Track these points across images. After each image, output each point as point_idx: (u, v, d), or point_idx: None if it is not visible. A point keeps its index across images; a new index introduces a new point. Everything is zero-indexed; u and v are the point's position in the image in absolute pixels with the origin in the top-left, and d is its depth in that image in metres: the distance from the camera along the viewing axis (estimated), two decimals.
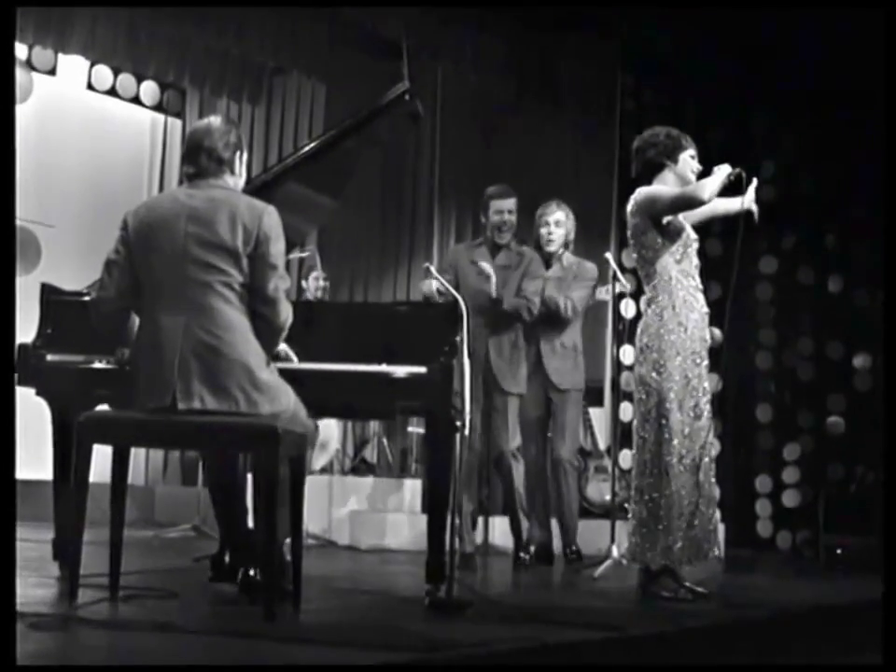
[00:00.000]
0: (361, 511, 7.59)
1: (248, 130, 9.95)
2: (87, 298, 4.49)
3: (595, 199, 9.29)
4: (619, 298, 8.43)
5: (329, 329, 4.28)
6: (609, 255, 6.45)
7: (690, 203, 4.89)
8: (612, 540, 5.98)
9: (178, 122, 10.14)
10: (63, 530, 4.45)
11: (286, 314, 3.94)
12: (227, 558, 4.30)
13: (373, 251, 9.98)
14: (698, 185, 4.86)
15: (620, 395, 8.47)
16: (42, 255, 9.00)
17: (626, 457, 8.23)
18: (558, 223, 6.61)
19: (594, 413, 8.38)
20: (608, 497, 7.34)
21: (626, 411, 8.31)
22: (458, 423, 4.19)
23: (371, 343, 4.23)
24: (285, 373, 4.00)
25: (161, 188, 9.86)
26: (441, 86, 9.73)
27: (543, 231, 6.59)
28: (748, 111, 8.86)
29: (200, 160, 4.01)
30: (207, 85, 9.83)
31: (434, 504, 4.26)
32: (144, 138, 10.06)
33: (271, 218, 3.92)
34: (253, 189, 4.64)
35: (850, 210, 8.62)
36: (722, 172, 4.88)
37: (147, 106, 9.89)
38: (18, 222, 8.68)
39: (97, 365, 4.32)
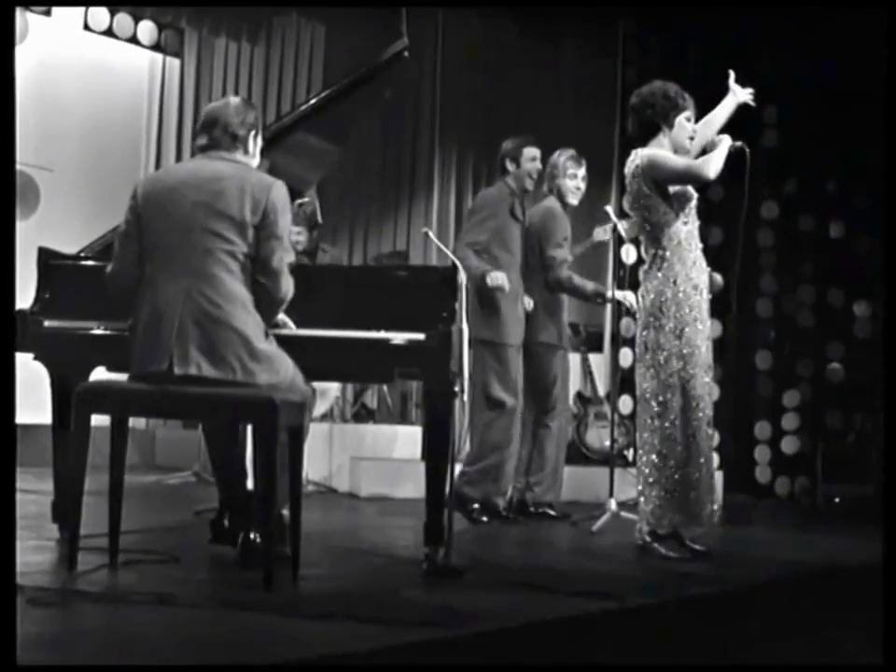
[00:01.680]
0: (361, 457, 7.61)
1: (248, 69, 9.89)
2: (85, 263, 4.48)
3: (597, 143, 9.26)
4: (619, 243, 8.41)
5: (327, 293, 4.24)
6: (608, 208, 6.39)
7: (694, 180, 4.89)
8: (611, 493, 5.98)
9: (177, 62, 10.02)
10: (62, 493, 4.45)
11: (287, 287, 3.95)
12: (226, 521, 4.32)
13: (373, 196, 9.93)
14: (704, 162, 4.82)
15: (620, 341, 8.46)
16: (41, 199, 8.95)
17: (626, 403, 8.27)
18: (584, 178, 6.54)
19: (593, 359, 8.40)
20: (607, 444, 7.36)
21: (626, 356, 8.33)
22: (456, 388, 4.20)
23: (370, 308, 4.20)
24: (283, 339, 4.01)
25: (160, 129, 9.78)
26: (441, 28, 9.66)
27: (571, 183, 6.44)
28: (751, 55, 8.73)
29: (214, 132, 4.02)
30: (206, 25, 9.74)
31: (432, 469, 4.25)
32: (142, 79, 9.93)
33: (279, 192, 3.93)
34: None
35: (852, 155, 8.55)
36: (724, 145, 4.85)
37: (144, 46, 9.75)
38: (17, 166, 8.65)
39: (96, 331, 4.27)
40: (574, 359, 8.16)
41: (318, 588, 3.91)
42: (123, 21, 9.50)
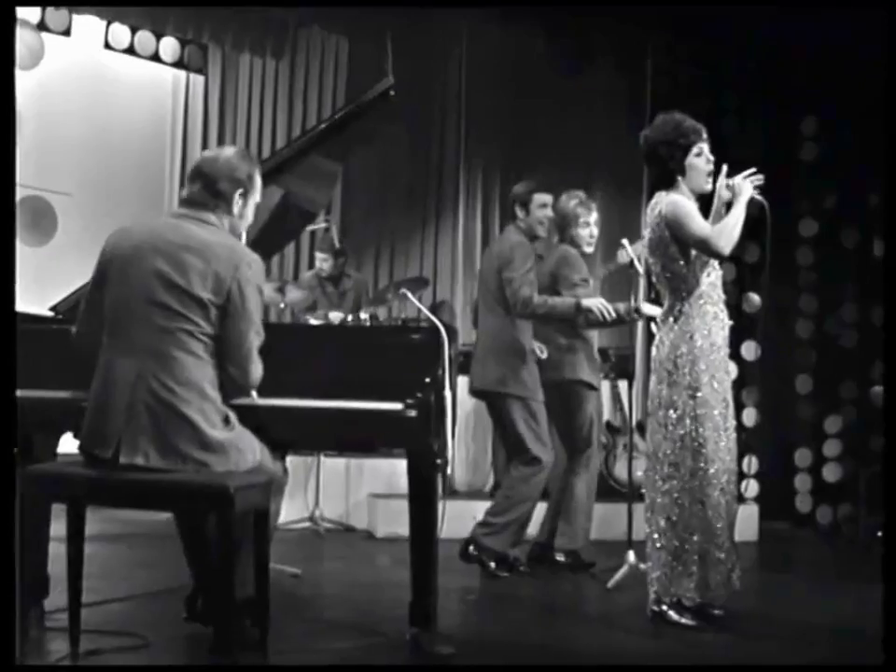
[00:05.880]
0: (378, 494, 7.37)
1: (273, 84, 9.68)
2: (51, 327, 4.24)
3: (627, 157, 8.92)
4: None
5: (298, 357, 3.95)
6: (625, 241, 6.03)
7: (708, 254, 4.57)
8: (629, 545, 5.66)
9: (201, 78, 9.81)
10: (25, 575, 4.21)
11: (256, 375, 3.67)
12: (199, 600, 4.09)
13: (399, 215, 9.66)
14: (718, 235, 4.48)
15: (650, 366, 8.12)
16: (59, 225, 8.76)
17: None
18: (597, 222, 6.22)
19: (623, 385, 8.06)
20: (639, 474, 7.03)
21: None
22: (440, 461, 3.91)
23: (344, 373, 3.89)
24: (249, 411, 3.74)
25: (185, 148, 9.57)
26: (466, 44, 9.42)
27: (584, 232, 6.12)
28: (787, 63, 8.36)
29: (195, 187, 3.74)
30: (228, 40, 9.53)
31: (417, 546, 3.98)
32: (165, 97, 9.72)
33: (249, 269, 3.61)
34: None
35: None
36: (742, 203, 4.51)
37: (167, 63, 9.55)
38: (33, 192, 8.48)
39: (64, 399, 4.00)
40: (603, 387, 7.86)
41: None
42: (144, 38, 9.30)
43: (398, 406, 3.79)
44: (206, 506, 3.50)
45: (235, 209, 3.75)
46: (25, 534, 3.55)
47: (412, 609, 4.04)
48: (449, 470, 3.93)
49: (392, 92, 4.52)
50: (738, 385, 8.50)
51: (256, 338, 3.63)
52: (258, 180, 3.81)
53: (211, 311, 3.55)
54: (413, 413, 3.79)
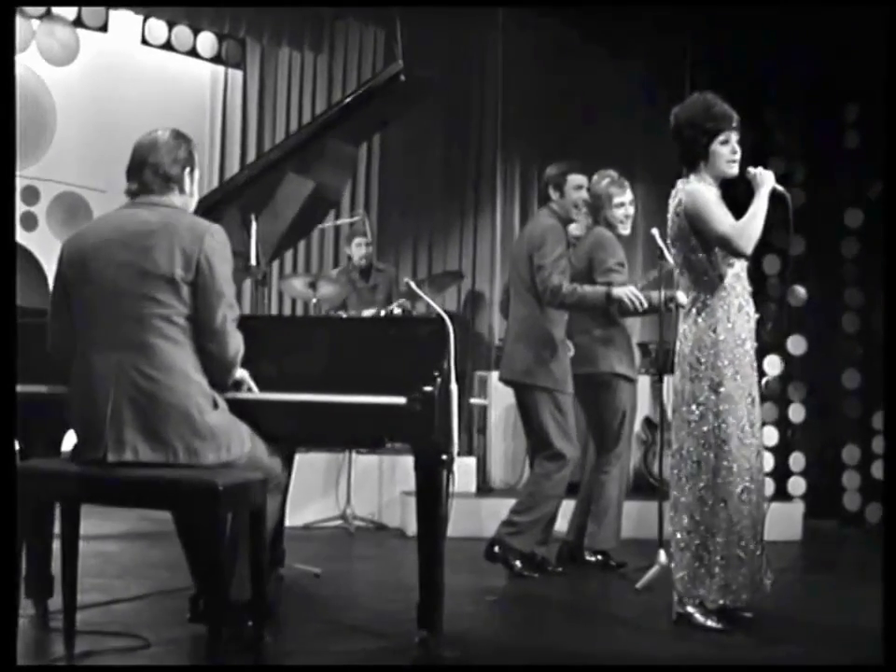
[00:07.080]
0: (411, 492, 7.18)
1: (311, 78, 9.59)
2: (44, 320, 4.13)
3: (667, 148, 8.75)
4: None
5: (298, 350, 3.84)
6: (655, 231, 5.82)
7: (731, 252, 4.38)
8: (660, 543, 5.47)
9: (239, 73, 9.73)
10: (33, 567, 4.13)
11: (235, 347, 3.57)
12: (202, 601, 3.97)
13: (437, 209, 9.55)
14: (739, 232, 4.30)
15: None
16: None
17: None
18: (632, 202, 6.02)
19: (664, 381, 7.85)
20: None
21: None
22: (445, 456, 3.77)
23: (346, 366, 3.78)
24: (244, 405, 3.62)
25: (223, 143, 9.49)
26: (503, 39, 9.29)
27: (619, 212, 5.89)
28: (828, 51, 8.10)
29: (144, 175, 3.67)
30: (266, 34, 9.45)
31: (424, 545, 3.84)
32: (204, 93, 9.65)
33: (214, 240, 3.54)
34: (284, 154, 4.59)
35: None
36: (762, 199, 4.34)
37: (204, 59, 9.47)
38: (68, 188, 8.46)
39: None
40: (643, 382, 7.67)
41: None
42: (182, 33, 9.22)
43: (402, 400, 3.66)
44: (194, 503, 3.36)
45: (187, 188, 3.71)
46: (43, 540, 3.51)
47: (419, 611, 3.91)
48: (455, 467, 3.80)
49: (402, 77, 4.39)
50: (784, 381, 8.35)
51: (229, 311, 3.55)
52: (196, 154, 3.78)
53: (182, 289, 3.47)
54: (417, 408, 3.65)
